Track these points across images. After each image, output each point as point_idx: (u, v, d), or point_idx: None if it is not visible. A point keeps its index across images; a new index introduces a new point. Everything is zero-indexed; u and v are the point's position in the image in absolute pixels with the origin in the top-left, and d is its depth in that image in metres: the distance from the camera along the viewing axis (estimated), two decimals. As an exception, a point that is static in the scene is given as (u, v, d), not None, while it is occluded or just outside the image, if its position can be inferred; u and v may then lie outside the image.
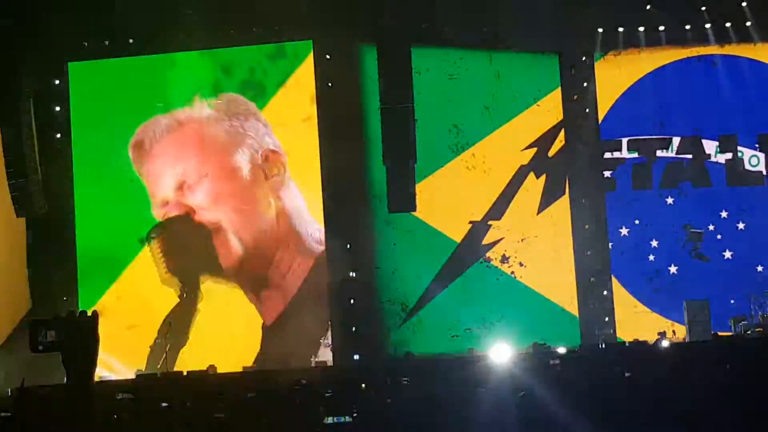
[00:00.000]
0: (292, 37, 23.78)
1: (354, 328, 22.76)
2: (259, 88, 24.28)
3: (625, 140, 25.30)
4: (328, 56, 23.40)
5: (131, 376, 21.33)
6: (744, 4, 24.35)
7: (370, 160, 23.61)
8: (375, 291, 23.47)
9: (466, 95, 24.39)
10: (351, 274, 22.91)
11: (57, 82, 24.29)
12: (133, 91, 24.34)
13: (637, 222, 25.09)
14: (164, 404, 13.85)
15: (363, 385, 16.11)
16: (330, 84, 23.35)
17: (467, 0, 22.98)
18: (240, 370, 21.76)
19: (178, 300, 23.82)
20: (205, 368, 19.47)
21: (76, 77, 24.66)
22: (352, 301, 22.82)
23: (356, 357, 22.29)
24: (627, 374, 16.15)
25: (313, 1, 22.78)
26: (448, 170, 24.23)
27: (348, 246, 23.06)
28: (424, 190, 23.63)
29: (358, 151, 23.64)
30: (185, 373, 19.27)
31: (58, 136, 24.32)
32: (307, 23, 23.25)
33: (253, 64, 24.34)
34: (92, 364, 7.04)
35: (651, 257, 25.00)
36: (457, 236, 24.15)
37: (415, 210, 23.47)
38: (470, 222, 24.25)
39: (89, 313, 7.09)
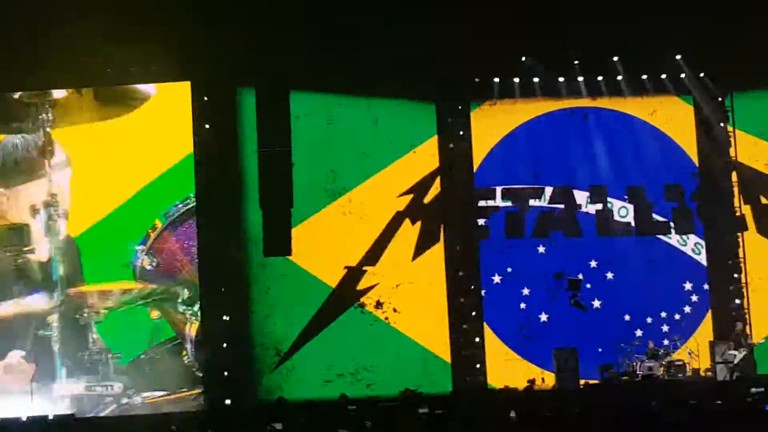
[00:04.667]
0: (169, 77, 23.55)
1: (226, 373, 22.52)
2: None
3: (499, 189, 25.66)
4: (206, 98, 23.23)
5: None
6: (615, 58, 24.98)
7: (247, 203, 23.47)
8: (248, 335, 23.28)
9: (344, 140, 24.47)
10: (224, 317, 22.69)
11: None
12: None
13: (509, 270, 25.43)
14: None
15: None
16: (207, 126, 23.16)
17: (346, 46, 23.04)
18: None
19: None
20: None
21: None
22: (224, 345, 22.59)
23: (228, 402, 22.06)
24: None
25: (191, 41, 22.58)
26: (325, 215, 24.25)
27: (222, 290, 22.84)
28: (300, 234, 23.63)
29: (234, 194, 23.46)
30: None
31: None
32: (184, 64, 23.05)
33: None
34: None
35: (522, 305, 25.35)
36: (332, 281, 24.14)
37: (290, 254, 23.46)
38: (345, 267, 24.26)
39: None
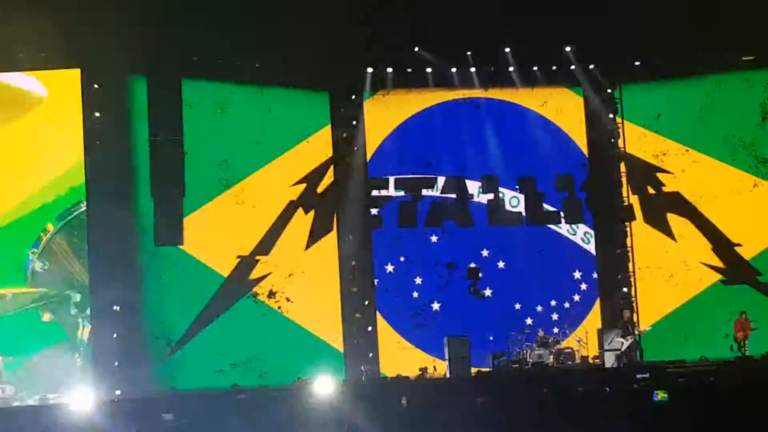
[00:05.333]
0: (59, 64, 23.13)
1: (117, 363, 22.24)
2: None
3: (392, 178, 25.80)
4: (96, 85, 22.88)
5: None
6: (507, 50, 25.23)
7: (138, 192, 23.17)
8: (139, 325, 23.02)
9: (237, 129, 24.32)
10: (115, 307, 22.39)
11: None
12: None
13: (402, 259, 25.59)
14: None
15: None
16: (98, 114, 22.81)
17: (239, 34, 22.89)
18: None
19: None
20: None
21: None
22: (115, 335, 22.31)
23: (118, 392, 21.80)
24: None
25: (81, 28, 22.21)
26: (217, 204, 24.08)
27: (113, 279, 22.52)
28: (192, 223, 23.45)
29: (125, 182, 23.13)
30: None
31: None
32: (76, 51, 22.67)
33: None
34: None
35: (415, 294, 25.54)
36: (225, 271, 24.00)
37: (182, 243, 23.28)
38: (238, 257, 24.15)
39: None
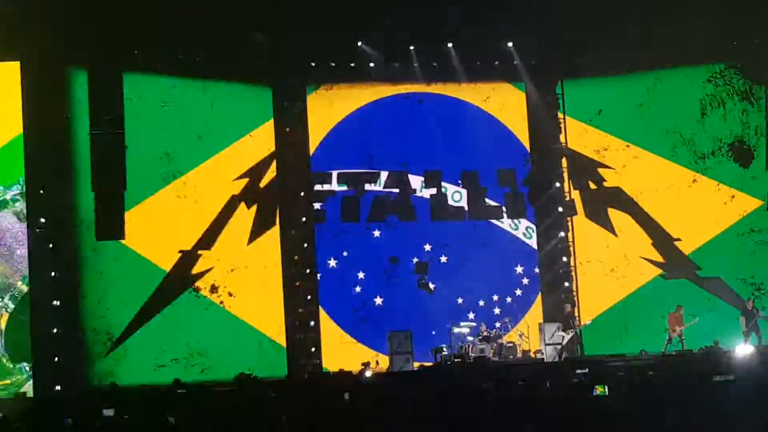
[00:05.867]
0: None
1: (57, 358, 22.05)
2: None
3: (335, 173, 25.80)
4: (36, 79, 22.63)
5: None
6: (450, 45, 25.29)
7: (79, 186, 22.96)
8: (79, 320, 22.84)
9: (179, 124, 24.21)
10: (55, 302, 22.19)
11: None
12: None
13: (345, 254, 25.62)
14: None
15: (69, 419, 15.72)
16: (38, 107, 22.56)
17: (182, 28, 22.78)
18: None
19: None
20: None
21: None
22: (55, 330, 22.11)
23: (58, 387, 21.63)
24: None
25: (21, 21, 21.97)
26: (159, 198, 23.96)
27: (53, 274, 22.33)
28: (133, 217, 23.27)
29: (65, 177, 22.90)
30: None
31: None
32: (14, 44, 22.41)
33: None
34: None
35: (357, 288, 25.56)
36: (166, 265, 23.88)
37: (123, 238, 23.08)
38: (180, 251, 24.03)
39: None
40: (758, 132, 25.69)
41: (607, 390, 16.69)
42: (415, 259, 25.85)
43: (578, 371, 18.68)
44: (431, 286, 25.84)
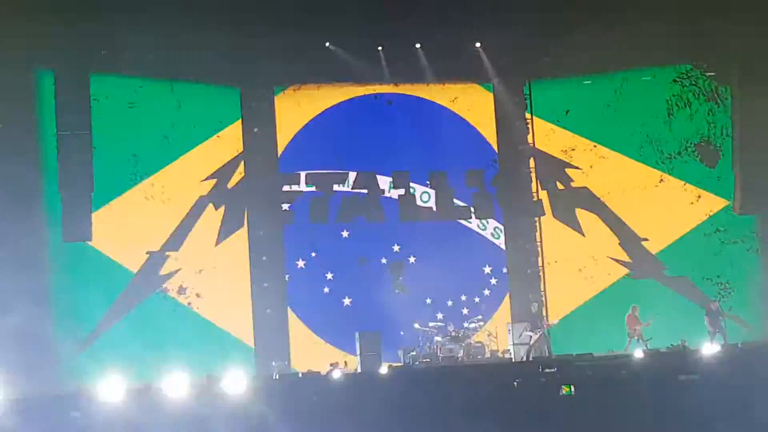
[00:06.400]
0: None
1: (24, 361, 21.87)
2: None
3: (303, 174, 25.78)
4: (1, 79, 22.47)
5: None
6: (418, 45, 25.31)
7: (45, 187, 22.84)
8: (47, 322, 22.69)
9: (146, 124, 24.15)
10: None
11: None
12: None
13: (313, 254, 25.60)
14: None
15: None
16: (4, 108, 22.40)
17: (149, 29, 22.70)
18: None
19: None
20: None
21: None
22: (23, 333, 21.95)
23: (25, 390, 21.44)
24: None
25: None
26: (126, 199, 23.88)
27: (19, 276, 22.13)
28: (100, 218, 23.21)
29: (32, 178, 22.76)
30: None
31: None
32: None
33: None
34: None
35: (326, 289, 25.55)
36: (134, 266, 23.83)
37: (90, 239, 23.00)
38: (147, 252, 23.98)
39: None
40: (724, 132, 25.87)
41: (573, 390, 16.77)
42: (385, 260, 25.84)
43: (546, 370, 18.74)
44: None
